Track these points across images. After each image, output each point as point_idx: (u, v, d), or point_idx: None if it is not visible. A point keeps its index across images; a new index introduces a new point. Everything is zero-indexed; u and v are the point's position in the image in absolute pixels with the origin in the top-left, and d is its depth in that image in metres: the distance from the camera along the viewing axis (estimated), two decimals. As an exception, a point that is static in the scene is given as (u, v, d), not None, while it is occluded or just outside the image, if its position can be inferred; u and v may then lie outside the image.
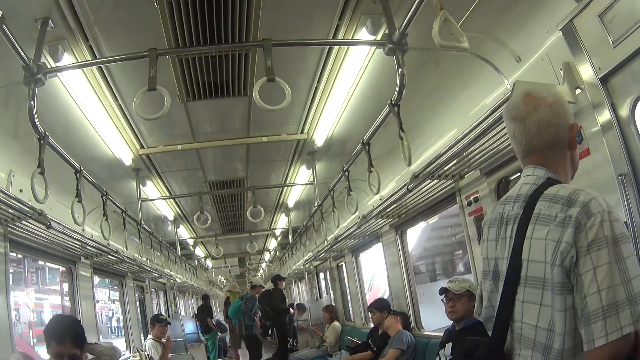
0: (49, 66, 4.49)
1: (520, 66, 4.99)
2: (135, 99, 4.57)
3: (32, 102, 4.31)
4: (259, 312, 15.65)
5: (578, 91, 4.20)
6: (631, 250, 2.35)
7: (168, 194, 11.29)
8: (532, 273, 2.55)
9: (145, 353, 10.26)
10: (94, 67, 5.55)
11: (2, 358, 6.06)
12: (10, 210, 5.76)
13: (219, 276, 31.83)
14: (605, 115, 3.98)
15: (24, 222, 6.21)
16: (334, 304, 15.13)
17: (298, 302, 23.59)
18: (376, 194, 6.97)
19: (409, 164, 5.23)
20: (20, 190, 6.25)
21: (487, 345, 2.86)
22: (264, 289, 16.48)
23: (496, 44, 5.07)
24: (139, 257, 11.18)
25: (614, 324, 2.25)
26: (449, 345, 6.64)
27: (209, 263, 24.97)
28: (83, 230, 7.86)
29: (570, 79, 4.20)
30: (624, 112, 3.89)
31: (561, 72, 4.28)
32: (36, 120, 4.54)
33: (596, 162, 3.45)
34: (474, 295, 6.31)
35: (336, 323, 13.76)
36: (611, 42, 3.79)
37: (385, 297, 11.36)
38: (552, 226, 2.47)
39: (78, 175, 6.37)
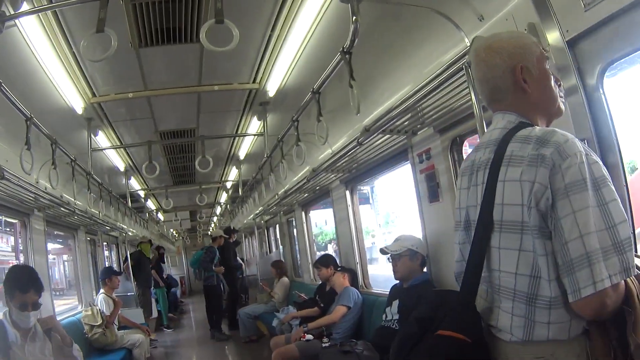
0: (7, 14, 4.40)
1: (482, 25, 4.85)
2: (83, 42, 4.63)
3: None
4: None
5: (542, 52, 4.09)
6: (614, 195, 2.26)
7: (119, 144, 11.18)
8: (508, 217, 2.47)
9: (98, 307, 10.34)
10: (50, 15, 5.47)
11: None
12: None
13: (171, 230, 31.71)
14: (570, 80, 3.92)
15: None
16: (283, 260, 15.25)
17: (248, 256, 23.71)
18: (324, 144, 7.04)
19: (357, 112, 5.20)
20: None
21: (456, 297, 2.73)
22: (226, 239, 16.50)
23: (459, 1, 4.92)
24: (90, 209, 11.12)
25: (601, 272, 2.15)
26: (395, 303, 6.85)
27: (161, 216, 24.88)
28: (37, 182, 7.83)
29: (534, 40, 4.08)
30: (591, 77, 3.87)
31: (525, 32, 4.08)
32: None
33: (557, 124, 3.02)
34: (418, 253, 6.71)
35: (285, 279, 13.97)
36: (583, 6, 3.70)
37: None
38: (524, 166, 2.40)
39: (28, 122, 6.29)
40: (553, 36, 3.97)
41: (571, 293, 2.22)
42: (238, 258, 17.25)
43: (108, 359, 9.61)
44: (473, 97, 4.35)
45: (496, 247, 2.55)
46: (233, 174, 16.44)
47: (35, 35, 5.59)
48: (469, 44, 4.91)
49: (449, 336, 2.52)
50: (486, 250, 2.60)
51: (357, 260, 9.61)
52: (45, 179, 8.45)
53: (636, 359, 2.22)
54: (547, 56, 2.77)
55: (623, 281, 2.21)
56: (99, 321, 10.02)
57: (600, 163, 2.32)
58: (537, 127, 2.56)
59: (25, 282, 5.88)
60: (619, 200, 2.25)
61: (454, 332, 2.52)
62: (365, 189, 24.03)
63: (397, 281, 7.07)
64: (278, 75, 7.70)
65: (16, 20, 4.94)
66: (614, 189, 2.28)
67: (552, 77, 2.73)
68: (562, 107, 2.80)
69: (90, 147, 9.52)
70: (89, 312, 10.12)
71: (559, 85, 2.79)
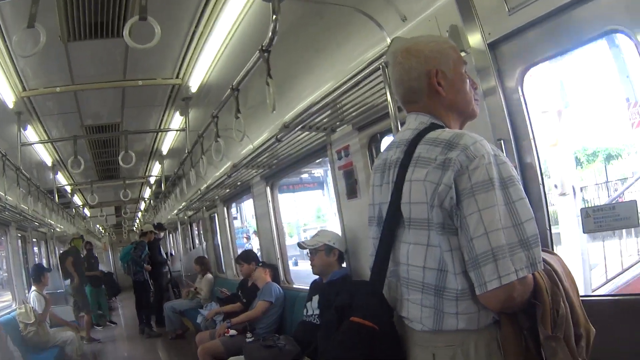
0: None
1: (404, 25, 4.89)
2: (14, 37, 4.85)
3: None
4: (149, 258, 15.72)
5: (463, 54, 3.65)
6: (521, 194, 2.35)
7: (47, 139, 11.15)
8: (415, 215, 2.54)
9: (30, 305, 10.45)
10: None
11: None
12: None
13: (97, 225, 31.32)
14: (489, 81, 4.05)
15: None
16: (206, 256, 15.41)
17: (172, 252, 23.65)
18: (241, 140, 7.04)
19: (273, 110, 5.25)
20: None
21: (365, 287, 2.82)
22: (155, 234, 16.48)
23: (382, 1, 4.95)
24: (19, 204, 11.19)
25: (507, 267, 2.25)
26: (315, 298, 7.07)
27: (87, 212, 24.64)
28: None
29: (455, 42, 3.97)
30: (510, 79, 4.01)
31: (447, 34, 4.23)
32: None
33: (474, 124, 3.01)
34: (334, 248, 6.85)
35: (209, 275, 14.11)
36: (507, 9, 3.81)
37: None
38: (430, 168, 2.46)
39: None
40: (475, 38, 4.10)
41: (478, 286, 2.31)
42: (163, 252, 17.23)
43: (42, 357, 9.73)
44: (389, 96, 4.39)
45: (406, 242, 2.62)
46: (156, 169, 16.48)
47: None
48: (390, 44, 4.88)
49: (357, 322, 2.62)
50: (393, 244, 2.70)
51: (278, 256, 9.72)
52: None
53: (546, 349, 2.34)
54: (465, 60, 2.86)
55: (531, 275, 2.33)
56: (32, 319, 10.11)
57: (509, 164, 2.42)
58: (447, 130, 2.63)
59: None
60: (526, 199, 2.35)
61: (362, 319, 2.62)
62: (317, 171, 23.65)
63: (317, 276, 7.22)
64: (200, 71, 7.86)
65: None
66: (522, 189, 2.38)
67: (467, 81, 2.81)
68: (477, 109, 2.86)
69: (20, 142, 9.64)
70: (23, 310, 10.21)
71: (475, 89, 2.86)
